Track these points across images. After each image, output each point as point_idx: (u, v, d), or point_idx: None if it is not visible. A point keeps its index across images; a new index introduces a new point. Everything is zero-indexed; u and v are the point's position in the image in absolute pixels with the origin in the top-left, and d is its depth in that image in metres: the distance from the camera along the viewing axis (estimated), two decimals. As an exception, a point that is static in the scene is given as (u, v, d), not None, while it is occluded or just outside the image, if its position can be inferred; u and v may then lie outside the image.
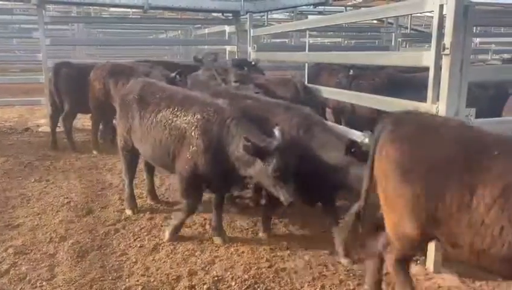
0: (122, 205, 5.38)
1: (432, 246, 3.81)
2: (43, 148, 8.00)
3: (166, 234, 4.44)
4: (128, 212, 5.13)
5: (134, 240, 4.49)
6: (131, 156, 5.04)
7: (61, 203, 5.45)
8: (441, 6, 3.50)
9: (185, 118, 4.19)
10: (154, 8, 9.81)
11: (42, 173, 6.64)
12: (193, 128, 4.10)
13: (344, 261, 3.98)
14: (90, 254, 4.19)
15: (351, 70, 7.02)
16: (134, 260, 4.08)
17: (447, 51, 3.44)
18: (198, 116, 4.11)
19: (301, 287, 3.66)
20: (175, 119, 4.25)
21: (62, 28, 18.66)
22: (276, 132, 3.81)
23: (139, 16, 15.26)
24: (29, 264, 3.99)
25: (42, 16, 9.16)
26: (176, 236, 4.44)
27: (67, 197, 5.63)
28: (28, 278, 3.76)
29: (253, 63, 7.64)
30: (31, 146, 8.24)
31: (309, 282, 3.72)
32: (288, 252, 4.25)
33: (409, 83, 6.06)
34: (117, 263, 4.03)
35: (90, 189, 5.99)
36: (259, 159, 3.71)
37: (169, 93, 4.59)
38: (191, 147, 4.10)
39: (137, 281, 3.73)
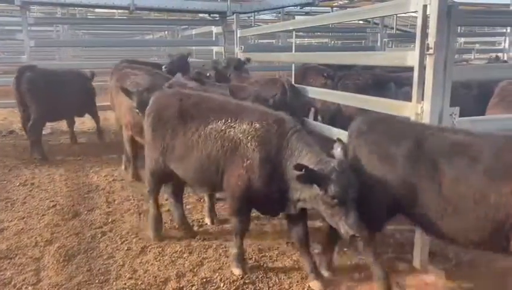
0: (109, 207, 5.35)
1: (418, 244, 3.85)
2: (28, 151, 7.87)
3: (236, 269, 3.84)
4: (152, 234, 4.51)
5: (122, 242, 4.45)
6: (162, 178, 4.44)
7: (46, 206, 5.38)
8: (425, 7, 3.53)
9: (240, 127, 3.65)
10: (140, 8, 9.77)
11: (27, 177, 6.55)
12: (249, 138, 3.57)
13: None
14: (77, 257, 4.14)
15: (325, 73, 7.10)
16: (121, 262, 4.05)
17: (431, 51, 3.48)
18: (257, 126, 3.60)
19: (290, 287, 3.67)
20: (229, 130, 3.69)
21: (47, 29, 18.45)
22: (338, 149, 3.34)
23: (125, 17, 15.15)
24: (14, 268, 3.93)
25: (26, 17, 9.06)
26: (244, 263, 3.93)
27: (52, 201, 5.56)
28: (13, 282, 3.71)
29: (244, 61, 7.66)
30: (15, 149, 8.12)
31: (297, 281, 3.73)
32: (277, 252, 4.26)
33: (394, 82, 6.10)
34: (104, 266, 3.99)
35: (76, 192, 5.93)
36: (316, 184, 3.15)
37: (218, 103, 4.03)
38: (245, 160, 3.57)
39: (125, 284, 3.70)
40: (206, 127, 3.80)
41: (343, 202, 3.08)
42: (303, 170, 3.09)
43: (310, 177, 3.12)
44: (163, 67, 7.54)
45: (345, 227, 3.09)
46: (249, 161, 3.53)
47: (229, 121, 3.71)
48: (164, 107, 4.17)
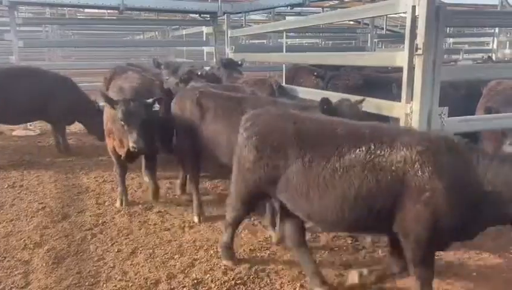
0: (99, 209, 5.31)
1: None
2: (17, 152, 7.80)
3: None
4: (227, 262, 4.00)
5: (112, 244, 4.42)
6: (254, 207, 3.92)
7: (35, 208, 5.32)
8: (414, 8, 3.57)
9: (395, 155, 2.96)
10: (130, 9, 9.72)
11: (16, 178, 6.48)
12: (417, 166, 2.90)
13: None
14: (66, 259, 4.10)
15: (315, 73, 7.16)
16: (111, 265, 4.02)
17: (419, 51, 3.52)
18: (419, 148, 2.93)
19: (281, 287, 3.67)
20: (377, 159, 3.00)
21: (36, 29, 18.26)
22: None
23: (114, 17, 15.06)
24: (2, 271, 3.89)
25: (14, 18, 8.96)
26: None
27: (42, 203, 5.51)
28: (1, 286, 3.67)
29: (240, 62, 7.66)
30: (4, 150, 8.02)
31: (288, 282, 3.73)
32: (268, 252, 4.25)
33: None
34: (94, 268, 3.96)
35: (65, 193, 5.87)
36: None
37: (348, 128, 3.28)
38: (421, 193, 2.89)
39: (115, 286, 3.67)
40: (342, 159, 3.10)
41: None
42: None
43: None
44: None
45: None
46: (427, 193, 2.88)
47: (373, 148, 3.04)
48: (273, 129, 3.51)
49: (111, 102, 4.72)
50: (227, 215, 3.97)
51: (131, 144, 4.59)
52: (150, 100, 4.83)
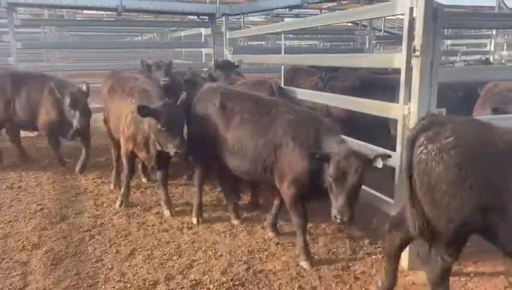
0: (98, 210, 5.31)
1: (406, 244, 3.88)
2: (15, 154, 7.77)
3: None
4: None
5: (110, 245, 4.42)
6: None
7: (34, 210, 5.32)
8: (411, 9, 3.58)
9: None
10: (129, 10, 9.71)
11: (14, 180, 6.48)
12: None
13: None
14: (65, 261, 4.10)
15: (317, 74, 7.20)
16: (110, 266, 4.02)
17: (417, 53, 3.52)
18: None
19: (279, 288, 3.68)
20: None
21: (34, 31, 18.25)
22: None
23: (113, 19, 15.06)
24: (0, 273, 3.89)
25: (12, 19, 8.95)
26: None
27: (40, 204, 5.50)
28: (0, 287, 3.68)
29: (236, 64, 7.64)
30: (2, 152, 8.00)
31: (287, 283, 3.74)
32: (266, 253, 4.26)
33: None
34: (92, 269, 3.96)
35: (64, 195, 5.87)
36: None
37: None
38: None
39: (113, 287, 3.68)
40: None
41: None
42: None
43: None
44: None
45: None
46: None
47: None
48: (476, 140, 2.78)
49: (150, 110, 4.45)
50: (438, 272, 3.05)
51: (174, 149, 4.42)
52: (181, 100, 4.78)
